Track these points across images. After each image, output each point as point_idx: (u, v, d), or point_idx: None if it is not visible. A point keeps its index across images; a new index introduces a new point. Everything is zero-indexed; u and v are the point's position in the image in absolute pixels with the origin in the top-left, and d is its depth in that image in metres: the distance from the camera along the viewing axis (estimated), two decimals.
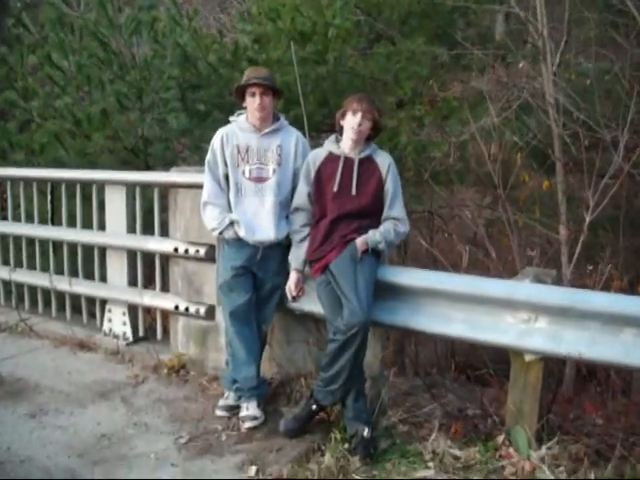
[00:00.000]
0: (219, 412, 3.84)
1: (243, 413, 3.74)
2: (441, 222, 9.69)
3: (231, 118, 3.93)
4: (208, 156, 3.87)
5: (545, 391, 3.68)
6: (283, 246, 3.84)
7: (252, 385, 3.78)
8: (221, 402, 3.90)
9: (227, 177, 3.83)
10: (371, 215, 3.62)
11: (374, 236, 3.54)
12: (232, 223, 3.78)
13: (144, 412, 3.90)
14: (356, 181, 3.59)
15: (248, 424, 3.68)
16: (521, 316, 3.41)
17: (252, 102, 3.76)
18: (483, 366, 5.72)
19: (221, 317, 4.15)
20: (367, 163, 3.63)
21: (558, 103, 6.52)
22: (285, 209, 3.83)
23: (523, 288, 3.40)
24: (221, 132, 3.87)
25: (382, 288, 3.60)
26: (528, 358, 3.46)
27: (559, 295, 3.35)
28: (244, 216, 3.78)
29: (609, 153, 6.16)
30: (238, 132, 3.84)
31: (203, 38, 7.17)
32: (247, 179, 3.81)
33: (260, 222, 3.79)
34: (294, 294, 3.79)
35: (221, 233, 3.82)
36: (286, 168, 3.84)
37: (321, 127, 7.11)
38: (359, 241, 3.52)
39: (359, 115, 3.55)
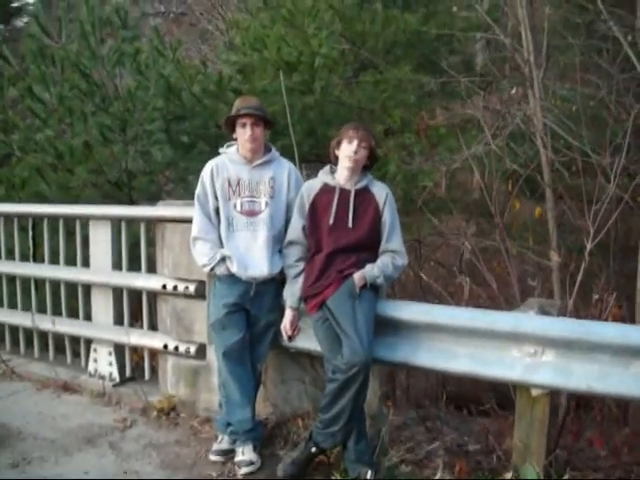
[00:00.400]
0: (213, 457, 3.66)
1: (239, 458, 3.56)
2: (429, 251, 9.62)
3: (221, 150, 3.81)
4: (198, 189, 3.74)
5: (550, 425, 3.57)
6: (277, 281, 3.70)
7: (247, 428, 3.61)
8: (215, 446, 3.72)
9: (218, 211, 3.69)
10: (368, 248, 3.50)
11: (372, 271, 3.41)
12: (224, 259, 3.64)
13: (134, 459, 3.71)
14: (352, 213, 3.47)
15: (244, 470, 3.50)
16: (527, 350, 3.29)
17: (243, 133, 3.64)
18: (474, 395, 5.60)
19: (213, 356, 3.99)
20: (364, 194, 3.51)
21: (546, 129, 6.50)
22: (279, 243, 3.70)
23: (529, 320, 3.29)
24: (211, 164, 3.74)
25: (381, 323, 3.47)
26: (535, 393, 3.34)
27: (566, 327, 3.24)
28: (236, 251, 3.64)
29: (596, 178, 6.13)
30: (229, 164, 3.71)
31: (187, 69, 7.07)
32: (239, 213, 3.67)
33: (253, 257, 3.65)
34: (290, 334, 3.65)
35: (212, 269, 3.67)
36: (279, 200, 3.71)
37: (308, 157, 7.01)
38: (357, 276, 3.39)
39: (355, 143, 3.44)
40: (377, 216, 3.48)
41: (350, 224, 3.45)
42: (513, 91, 6.07)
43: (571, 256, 6.42)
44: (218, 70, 7.55)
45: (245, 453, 3.57)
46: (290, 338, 3.67)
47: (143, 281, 4.46)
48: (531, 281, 4.81)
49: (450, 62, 7.81)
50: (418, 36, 7.49)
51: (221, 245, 3.68)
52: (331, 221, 3.46)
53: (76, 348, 5.09)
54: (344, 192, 3.49)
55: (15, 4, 14.36)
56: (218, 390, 3.83)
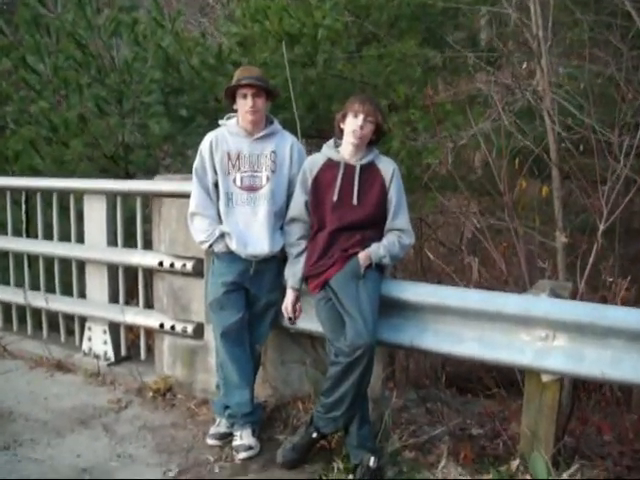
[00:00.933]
0: (210, 441, 3.54)
1: (237, 442, 3.45)
2: (431, 230, 9.47)
3: (221, 122, 3.64)
4: (196, 163, 3.58)
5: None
6: (278, 260, 3.56)
7: (246, 411, 3.49)
8: (212, 430, 3.60)
9: (217, 185, 3.54)
10: (374, 226, 3.35)
11: (378, 250, 3.26)
12: (223, 235, 3.50)
13: (128, 442, 3.60)
14: (357, 190, 3.31)
15: (243, 454, 3.39)
16: (538, 334, 3.16)
17: (243, 104, 3.47)
18: (475, 375, 5.49)
19: (210, 336, 3.86)
20: (369, 170, 3.36)
21: (554, 106, 6.31)
22: (280, 220, 3.55)
23: (540, 303, 3.15)
24: (210, 137, 3.57)
25: (386, 304, 3.34)
26: (545, 379, 3.21)
27: (579, 310, 3.11)
28: (235, 227, 3.49)
29: (604, 158, 5.96)
30: (228, 137, 3.55)
31: (185, 41, 6.87)
32: (238, 188, 3.52)
33: (253, 234, 3.50)
34: (291, 315, 3.50)
35: (211, 246, 3.53)
36: (281, 175, 3.55)
37: (310, 132, 6.84)
38: (362, 256, 3.24)
39: (361, 117, 3.27)
40: (383, 192, 3.33)
41: (355, 201, 3.30)
42: (524, 66, 5.87)
43: (576, 237, 6.29)
44: (218, 43, 7.37)
45: (243, 437, 3.45)
46: (292, 320, 3.53)
47: (139, 258, 4.31)
48: (538, 262, 4.67)
49: (455, 37, 7.61)
50: (423, 9, 7.25)
51: (220, 221, 3.53)
52: (335, 198, 3.31)
53: (70, 325, 4.95)
54: (349, 167, 3.34)
55: None
56: (215, 371, 3.70)
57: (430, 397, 5.52)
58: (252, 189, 3.51)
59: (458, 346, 3.28)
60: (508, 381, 4.42)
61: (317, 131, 7.80)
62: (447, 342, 3.31)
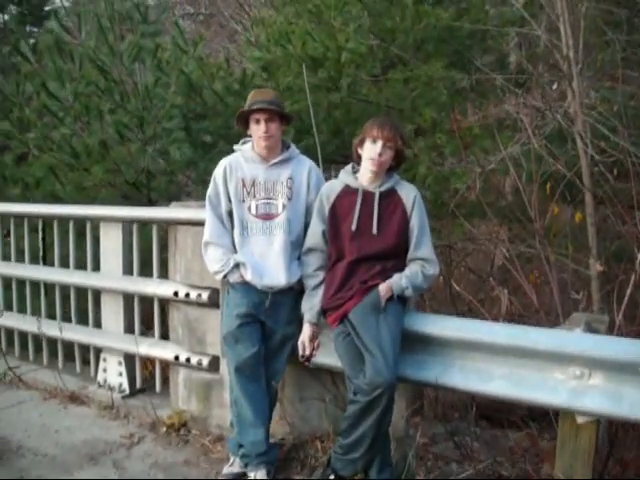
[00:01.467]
0: None
1: None
2: (460, 257, 9.23)
3: (235, 147, 3.51)
4: (210, 190, 3.45)
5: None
6: (295, 291, 3.39)
7: (261, 451, 3.30)
8: (226, 469, 3.42)
9: (231, 214, 3.40)
10: (395, 256, 3.16)
11: (400, 281, 3.07)
12: (237, 265, 3.35)
13: None
14: (377, 218, 3.13)
15: None
16: (572, 372, 2.94)
17: (257, 130, 3.33)
18: (504, 406, 5.24)
19: (226, 370, 3.69)
20: (390, 196, 3.18)
21: (586, 128, 6.10)
22: (297, 249, 3.39)
23: (575, 339, 2.94)
24: (224, 163, 3.44)
25: (409, 339, 3.15)
26: (581, 420, 2.99)
27: (617, 347, 2.89)
28: (251, 258, 3.34)
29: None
30: (243, 163, 3.41)
31: (209, 66, 6.81)
32: (253, 216, 3.37)
33: (269, 264, 3.34)
34: (308, 352, 3.29)
35: (225, 276, 3.38)
36: (298, 203, 3.40)
37: (335, 158, 6.70)
38: (383, 287, 3.05)
39: (380, 144, 3.09)
40: (405, 220, 3.15)
41: (375, 230, 3.13)
42: (555, 86, 5.68)
43: (612, 265, 6.02)
44: (242, 68, 7.30)
45: (258, 478, 3.26)
46: (309, 358, 3.32)
47: (154, 287, 4.18)
48: (571, 292, 4.43)
49: (483, 60, 7.45)
50: (450, 32, 7.10)
51: (235, 250, 3.39)
52: (353, 227, 3.14)
53: (86, 355, 4.83)
54: (368, 195, 3.17)
55: (48, 7, 14.26)
56: (230, 408, 3.53)
57: (459, 431, 5.29)
58: (268, 217, 3.36)
59: (486, 384, 3.07)
60: (540, 412, 4.19)
61: (342, 157, 7.66)
62: (474, 380, 3.10)
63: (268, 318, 3.39)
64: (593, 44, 7.43)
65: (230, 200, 3.38)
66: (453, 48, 7.39)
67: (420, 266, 3.15)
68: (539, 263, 5.12)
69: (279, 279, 3.34)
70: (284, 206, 3.36)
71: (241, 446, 3.36)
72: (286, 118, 3.42)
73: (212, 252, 3.41)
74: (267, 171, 3.39)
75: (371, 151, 3.12)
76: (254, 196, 3.37)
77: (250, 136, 3.42)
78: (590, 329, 3.03)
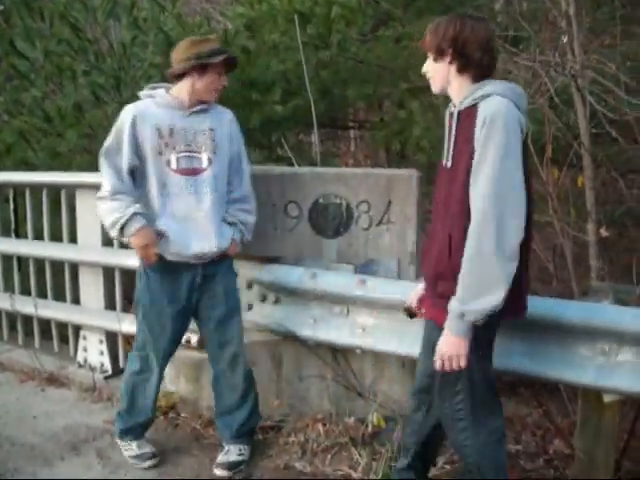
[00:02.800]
0: (218, 472, 3.09)
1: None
2: None
3: (143, 93, 3.05)
4: (108, 142, 2.93)
5: None
6: (229, 257, 3.11)
7: None
8: (220, 458, 3.15)
9: (133, 171, 2.95)
10: None
11: None
12: (137, 215, 2.87)
13: (124, 470, 3.16)
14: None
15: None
16: (599, 347, 2.70)
17: (215, 81, 2.96)
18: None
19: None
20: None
21: (584, 91, 5.83)
22: (223, 209, 3.06)
23: (604, 312, 2.69)
24: (131, 110, 2.93)
25: None
26: (608, 399, 2.75)
27: None
28: (172, 224, 2.94)
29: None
30: (156, 109, 2.95)
31: (189, 25, 6.40)
32: (174, 171, 2.93)
33: (196, 229, 2.96)
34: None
35: (122, 229, 2.87)
36: (222, 157, 3.04)
37: (322, 121, 6.37)
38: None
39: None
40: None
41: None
42: (564, 40, 5.38)
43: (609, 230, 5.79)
44: (224, 27, 6.92)
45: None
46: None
47: (136, 260, 3.84)
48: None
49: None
50: None
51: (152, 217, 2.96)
52: None
53: (64, 333, 4.51)
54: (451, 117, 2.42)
55: None
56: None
57: None
58: (191, 173, 2.95)
59: (506, 360, 2.81)
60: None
61: (330, 120, 7.33)
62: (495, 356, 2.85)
63: (202, 297, 3.07)
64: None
65: (137, 154, 2.91)
66: (445, 4, 7.05)
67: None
68: (546, 231, 4.85)
69: (210, 245, 2.96)
70: (210, 160, 2.99)
71: None
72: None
73: (109, 204, 2.90)
74: (186, 119, 2.97)
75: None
76: (173, 148, 2.93)
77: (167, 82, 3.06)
78: (618, 300, 2.78)
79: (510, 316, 2.38)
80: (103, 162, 2.93)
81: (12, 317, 4.72)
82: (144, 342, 3.12)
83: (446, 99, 5.82)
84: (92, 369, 4.14)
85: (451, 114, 2.38)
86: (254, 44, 6.16)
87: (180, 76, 2.96)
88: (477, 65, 2.30)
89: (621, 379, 2.64)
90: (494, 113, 2.17)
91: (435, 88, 2.45)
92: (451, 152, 2.32)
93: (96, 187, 3.91)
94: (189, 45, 2.95)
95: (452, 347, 2.26)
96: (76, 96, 5.62)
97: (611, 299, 2.76)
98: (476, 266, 2.17)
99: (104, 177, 2.93)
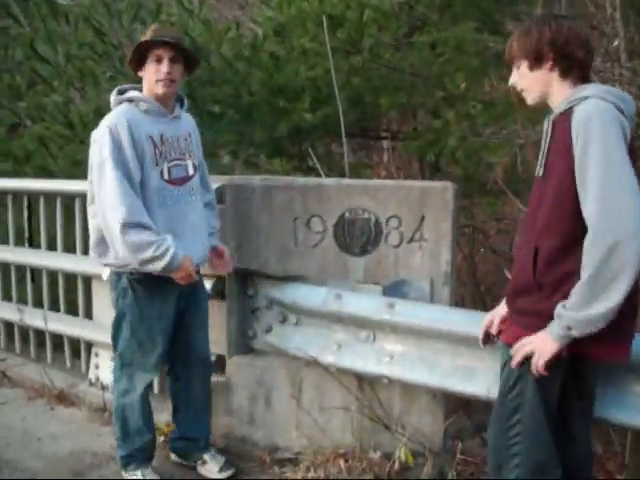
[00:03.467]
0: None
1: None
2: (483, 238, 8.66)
3: (117, 98, 2.79)
4: (110, 151, 2.62)
5: None
6: None
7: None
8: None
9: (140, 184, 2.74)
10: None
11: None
12: (172, 246, 2.67)
13: None
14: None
15: None
16: None
17: (156, 70, 2.70)
18: None
19: (232, 370, 3.19)
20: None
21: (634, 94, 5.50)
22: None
23: None
24: (124, 117, 2.68)
25: None
26: None
27: None
28: (173, 238, 2.74)
29: None
30: (142, 116, 2.73)
31: (217, 32, 6.21)
32: (167, 182, 2.77)
33: (191, 239, 2.82)
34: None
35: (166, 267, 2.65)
36: (198, 161, 2.97)
37: (353, 131, 6.12)
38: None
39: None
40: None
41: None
42: (615, 43, 5.07)
43: None
44: (253, 32, 6.72)
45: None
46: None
47: None
48: None
49: (515, 23, 6.83)
50: None
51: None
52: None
53: (78, 346, 4.30)
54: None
55: None
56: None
57: (485, 425, 4.83)
58: (181, 182, 2.82)
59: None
60: None
61: (362, 129, 7.07)
62: None
63: (189, 304, 2.99)
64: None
65: (141, 168, 2.69)
66: (482, 8, 6.77)
67: None
68: None
69: (204, 254, 2.94)
70: (195, 167, 2.89)
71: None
72: (191, 64, 2.85)
73: (137, 234, 2.61)
74: (171, 125, 2.81)
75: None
76: (165, 157, 2.75)
77: (137, 82, 2.84)
78: None
79: (607, 355, 2.11)
80: (116, 177, 2.61)
81: (24, 329, 4.53)
82: (132, 359, 2.91)
83: (485, 108, 5.48)
84: (103, 388, 3.91)
85: (548, 122, 2.15)
86: (283, 50, 5.95)
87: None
88: (581, 66, 2.11)
89: None
90: (589, 114, 1.96)
91: (532, 99, 2.20)
92: (542, 161, 2.12)
93: None
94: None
95: (541, 342, 2.03)
96: (99, 102, 5.45)
97: None
98: (589, 277, 1.93)
99: (120, 197, 2.60)
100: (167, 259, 2.61)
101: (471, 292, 7.29)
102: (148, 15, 5.73)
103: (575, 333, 1.97)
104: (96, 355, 4.02)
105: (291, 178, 3.42)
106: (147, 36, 2.73)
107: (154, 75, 2.71)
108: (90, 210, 2.83)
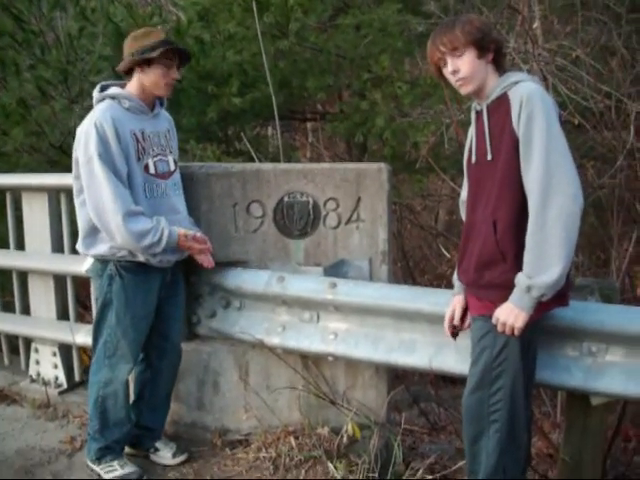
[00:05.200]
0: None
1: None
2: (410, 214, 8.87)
3: (99, 94, 2.87)
4: (96, 147, 2.69)
5: None
6: None
7: None
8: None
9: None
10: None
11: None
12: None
13: None
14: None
15: None
16: (587, 348, 2.56)
17: (165, 75, 2.84)
18: None
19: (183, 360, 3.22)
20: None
21: (547, 76, 5.72)
22: None
23: (590, 311, 2.55)
24: (105, 115, 2.74)
25: None
26: (596, 402, 2.62)
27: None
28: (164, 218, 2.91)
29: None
30: (126, 112, 2.83)
31: (140, 16, 6.11)
32: (153, 176, 2.89)
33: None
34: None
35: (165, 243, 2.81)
36: (176, 156, 3.11)
37: (281, 113, 6.16)
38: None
39: (448, 63, 2.30)
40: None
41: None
42: (535, 25, 5.25)
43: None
44: (177, 18, 6.65)
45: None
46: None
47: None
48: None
49: (435, 5, 6.97)
50: None
51: None
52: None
53: (16, 344, 4.23)
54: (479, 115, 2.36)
55: None
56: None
57: (421, 396, 5.01)
58: (165, 176, 2.95)
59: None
60: None
61: (289, 112, 7.12)
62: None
63: (169, 294, 3.04)
64: None
65: (127, 162, 2.80)
66: None
67: None
68: None
69: None
70: (175, 162, 3.03)
71: None
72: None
73: (134, 223, 2.74)
74: (152, 122, 2.94)
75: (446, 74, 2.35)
76: (149, 152, 2.88)
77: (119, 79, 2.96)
78: (604, 297, 2.65)
79: (555, 303, 2.32)
80: (104, 171, 2.70)
81: None
82: (115, 348, 2.93)
83: (410, 89, 5.60)
84: (45, 384, 3.88)
85: (478, 112, 2.34)
86: (209, 34, 5.92)
87: (129, 73, 2.87)
88: (504, 57, 2.34)
89: (610, 381, 2.51)
90: (530, 93, 2.16)
91: (470, 88, 2.31)
92: (489, 145, 2.26)
93: (45, 189, 3.70)
94: (131, 40, 2.85)
95: (510, 316, 2.21)
96: (21, 92, 5.32)
97: (597, 296, 2.63)
98: (540, 239, 2.12)
99: (110, 190, 2.70)
100: (164, 241, 2.77)
101: (401, 267, 7.48)
102: (69, 1, 5.60)
103: (546, 298, 2.17)
104: (36, 351, 3.97)
105: (229, 164, 3.44)
106: (151, 42, 2.78)
107: (162, 78, 2.83)
108: (77, 201, 2.92)
